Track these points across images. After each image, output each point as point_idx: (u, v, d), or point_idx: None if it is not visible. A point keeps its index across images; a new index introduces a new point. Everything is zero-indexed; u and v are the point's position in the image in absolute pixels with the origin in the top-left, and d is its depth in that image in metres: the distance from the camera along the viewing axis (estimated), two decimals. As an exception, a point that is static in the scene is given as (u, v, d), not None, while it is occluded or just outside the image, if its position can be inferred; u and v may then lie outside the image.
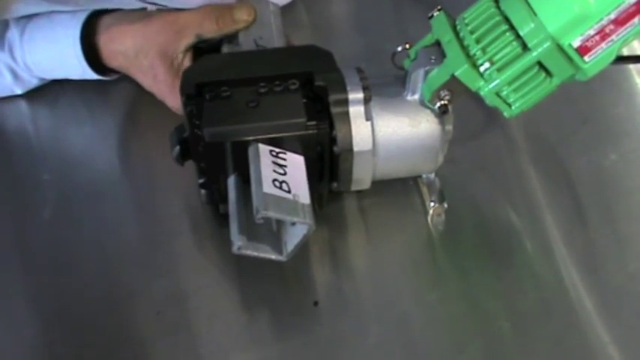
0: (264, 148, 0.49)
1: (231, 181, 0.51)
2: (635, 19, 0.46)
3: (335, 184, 0.55)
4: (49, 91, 0.70)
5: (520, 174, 0.62)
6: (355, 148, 0.51)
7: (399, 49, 0.55)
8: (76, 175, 0.63)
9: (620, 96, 0.68)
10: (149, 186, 0.62)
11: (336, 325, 0.52)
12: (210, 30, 0.61)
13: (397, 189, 0.59)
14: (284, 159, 0.50)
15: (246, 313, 0.54)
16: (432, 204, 0.58)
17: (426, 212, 0.59)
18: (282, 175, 0.49)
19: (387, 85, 0.54)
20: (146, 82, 0.64)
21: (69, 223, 0.59)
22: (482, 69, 0.48)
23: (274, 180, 0.48)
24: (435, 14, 0.52)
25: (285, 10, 0.70)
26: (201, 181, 0.55)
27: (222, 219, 0.55)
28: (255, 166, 0.48)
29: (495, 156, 0.63)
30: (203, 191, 0.56)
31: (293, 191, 0.48)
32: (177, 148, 0.53)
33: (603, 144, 0.64)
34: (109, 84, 0.68)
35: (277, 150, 0.50)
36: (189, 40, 0.61)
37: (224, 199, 0.55)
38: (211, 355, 0.51)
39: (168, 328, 0.52)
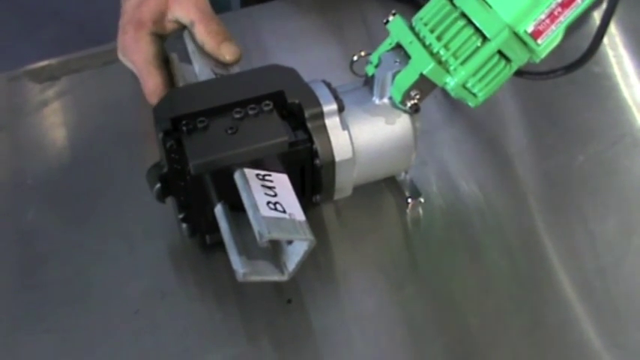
0: (250, 173, 0.50)
1: (219, 210, 0.51)
2: (579, 0, 0.50)
3: (317, 197, 0.55)
4: (35, 96, 0.70)
5: (490, 175, 0.64)
6: (337, 158, 0.52)
7: (355, 57, 0.57)
8: (59, 179, 0.64)
9: (588, 100, 0.70)
10: (129, 190, 0.61)
11: (306, 323, 0.54)
12: (199, 31, 0.62)
13: (370, 190, 0.60)
14: (270, 180, 0.50)
15: (220, 311, 0.55)
16: (409, 200, 0.59)
17: (401, 211, 0.60)
18: (274, 196, 0.49)
19: (353, 92, 0.55)
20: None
21: (50, 225, 0.60)
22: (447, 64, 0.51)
23: (268, 202, 0.48)
24: (391, 19, 0.53)
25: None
26: (181, 215, 0.55)
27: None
28: (246, 193, 0.48)
29: (465, 157, 0.65)
30: (185, 225, 0.55)
31: (288, 211, 0.48)
32: (158, 186, 0.52)
33: (571, 146, 0.66)
34: (94, 90, 0.70)
35: (263, 172, 0.50)
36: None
37: (211, 229, 0.55)
38: (187, 352, 0.53)
39: (145, 327, 0.54)
